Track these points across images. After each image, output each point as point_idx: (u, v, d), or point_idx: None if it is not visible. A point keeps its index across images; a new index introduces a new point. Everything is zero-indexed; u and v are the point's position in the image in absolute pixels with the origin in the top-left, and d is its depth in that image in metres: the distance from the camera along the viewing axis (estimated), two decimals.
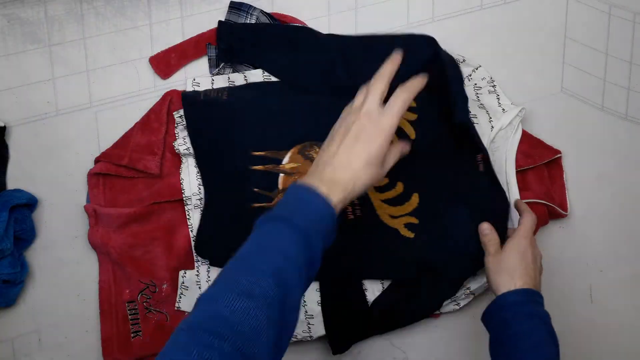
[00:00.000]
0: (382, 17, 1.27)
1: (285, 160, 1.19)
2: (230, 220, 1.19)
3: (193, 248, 1.21)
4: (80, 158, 1.24)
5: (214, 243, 1.19)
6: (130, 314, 1.22)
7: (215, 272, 1.22)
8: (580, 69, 1.29)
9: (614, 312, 1.30)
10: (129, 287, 1.23)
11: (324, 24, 1.26)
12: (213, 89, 1.21)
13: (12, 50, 1.23)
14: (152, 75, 1.25)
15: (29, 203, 1.21)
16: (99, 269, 1.24)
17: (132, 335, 1.22)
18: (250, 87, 1.21)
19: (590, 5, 1.28)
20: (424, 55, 1.17)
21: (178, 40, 1.25)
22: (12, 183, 1.23)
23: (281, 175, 1.19)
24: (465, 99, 1.15)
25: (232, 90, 1.20)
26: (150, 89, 1.25)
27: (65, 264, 1.24)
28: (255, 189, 1.18)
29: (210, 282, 1.20)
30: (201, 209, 1.21)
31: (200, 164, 1.20)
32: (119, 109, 1.25)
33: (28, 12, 1.22)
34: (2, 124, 1.22)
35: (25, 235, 1.21)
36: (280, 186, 1.18)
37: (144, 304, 1.22)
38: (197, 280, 1.22)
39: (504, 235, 1.17)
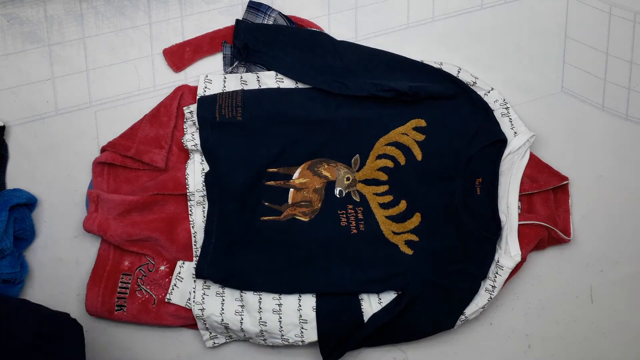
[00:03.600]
0: (382, 16, 1.27)
1: (296, 175, 1.21)
2: (241, 232, 1.20)
3: (194, 272, 1.21)
4: (79, 158, 1.24)
5: (222, 260, 1.20)
6: (120, 286, 1.22)
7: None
8: (581, 68, 1.29)
9: (614, 312, 1.30)
10: (130, 259, 1.23)
11: (324, 24, 1.26)
12: (227, 106, 1.21)
13: (11, 50, 1.23)
14: (152, 74, 1.25)
15: (29, 202, 1.21)
16: (101, 243, 1.24)
17: (116, 308, 1.22)
18: (262, 100, 1.22)
19: (590, 5, 1.28)
20: (446, 87, 1.21)
21: (178, 39, 1.25)
22: (11, 182, 1.23)
23: (291, 190, 1.21)
24: (496, 122, 1.22)
25: (245, 104, 1.21)
26: (150, 89, 1.25)
27: (65, 263, 1.24)
28: (266, 203, 1.21)
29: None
30: (204, 206, 1.21)
31: (210, 180, 1.21)
32: (118, 108, 1.25)
33: (28, 11, 1.22)
34: (2, 124, 1.22)
35: (24, 234, 1.21)
36: (290, 201, 1.21)
37: (138, 279, 1.23)
38: (193, 273, 1.22)
39: (488, 261, 1.19)
